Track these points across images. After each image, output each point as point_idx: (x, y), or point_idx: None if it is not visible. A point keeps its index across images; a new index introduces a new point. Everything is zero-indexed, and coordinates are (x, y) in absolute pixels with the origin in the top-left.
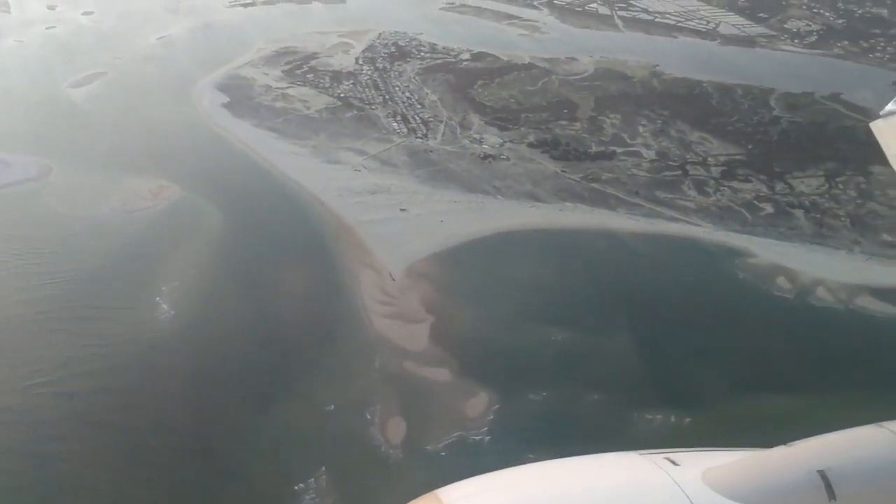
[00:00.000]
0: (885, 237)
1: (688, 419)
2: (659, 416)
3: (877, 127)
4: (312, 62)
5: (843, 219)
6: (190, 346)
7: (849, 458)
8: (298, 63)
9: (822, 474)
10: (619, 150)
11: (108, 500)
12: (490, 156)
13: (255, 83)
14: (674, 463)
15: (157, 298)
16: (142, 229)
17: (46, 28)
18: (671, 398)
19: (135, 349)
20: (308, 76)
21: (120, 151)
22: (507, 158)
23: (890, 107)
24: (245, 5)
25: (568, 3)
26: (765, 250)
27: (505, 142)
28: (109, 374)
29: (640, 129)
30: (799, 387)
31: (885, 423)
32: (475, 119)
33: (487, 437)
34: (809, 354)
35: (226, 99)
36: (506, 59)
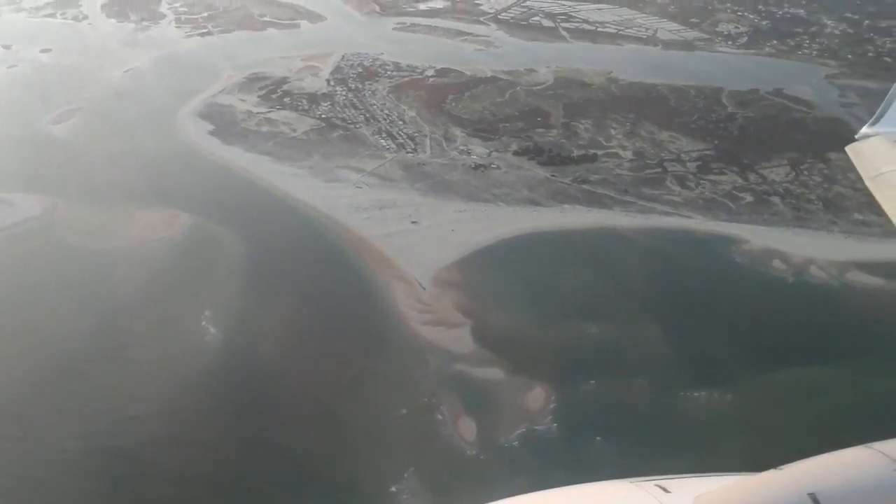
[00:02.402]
0: (857, 216)
1: (728, 395)
2: (703, 394)
3: (852, 150)
4: (285, 86)
5: (815, 202)
6: (246, 364)
7: (839, 480)
8: (272, 88)
9: (813, 498)
10: (599, 152)
11: None
12: (481, 165)
13: (236, 110)
14: (665, 490)
15: (202, 322)
16: (164, 258)
17: (8, 67)
18: (707, 377)
19: (192, 370)
20: (285, 100)
21: (119, 184)
22: (498, 167)
23: (864, 130)
24: (202, 34)
25: (513, 18)
26: (755, 236)
27: (491, 151)
28: (172, 396)
29: (612, 131)
30: (816, 357)
31: (873, 445)
32: (457, 132)
33: (554, 426)
34: (818, 327)
35: (211, 127)
36: (469, 73)
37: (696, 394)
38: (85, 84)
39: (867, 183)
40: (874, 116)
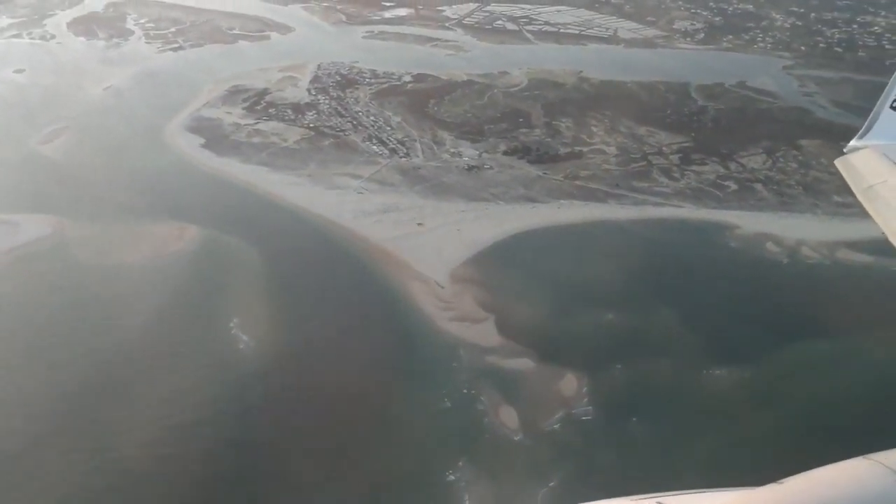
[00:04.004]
0: (836, 198)
1: (748, 373)
2: (724, 372)
3: (842, 163)
4: (267, 97)
5: (796, 187)
6: (285, 369)
7: (840, 494)
8: (255, 99)
9: None
10: (584, 149)
11: None
12: (474, 167)
13: (223, 122)
14: None
15: (233, 330)
16: (182, 270)
17: None
18: (725, 356)
19: (232, 377)
20: (270, 111)
21: (122, 201)
22: (491, 167)
23: (853, 143)
24: (175, 49)
25: (477, 23)
26: (745, 221)
27: (481, 153)
28: (219, 401)
29: (593, 129)
30: (821, 332)
31: (872, 456)
32: (444, 135)
33: (590, 408)
34: (817, 304)
35: (202, 140)
36: (445, 78)
37: (717, 371)
38: (66, 103)
39: (858, 196)
40: (862, 129)
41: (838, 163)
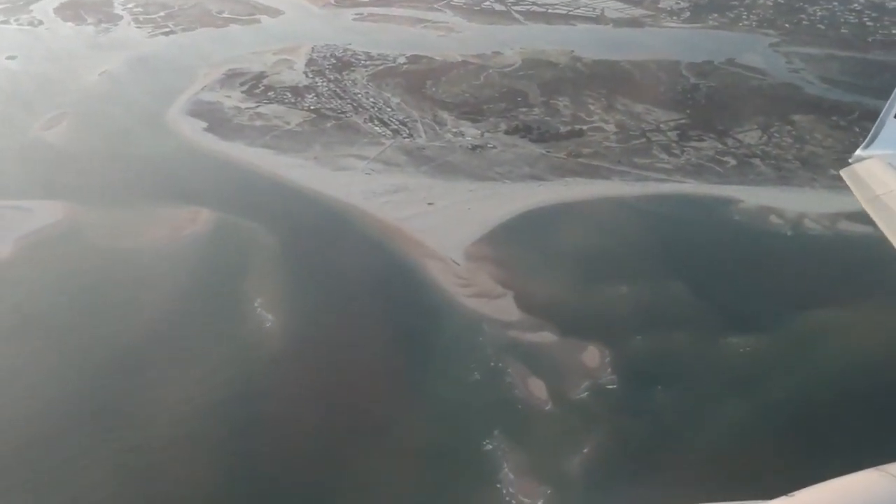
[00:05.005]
0: (833, 172)
1: (766, 342)
2: (742, 340)
3: (848, 173)
4: (265, 81)
5: (793, 162)
6: (311, 347)
7: None
8: (252, 83)
9: None
10: (584, 127)
11: (337, 481)
12: (477, 146)
13: (223, 106)
14: None
15: (257, 310)
16: (199, 252)
17: None
18: (741, 326)
19: (263, 356)
20: (269, 94)
21: (131, 185)
22: (494, 147)
23: (858, 152)
24: (166, 34)
25: (465, 3)
26: (747, 196)
27: (483, 132)
28: (248, 380)
29: (591, 107)
30: (830, 300)
31: (885, 467)
32: (445, 115)
33: (616, 377)
34: (823, 273)
35: (204, 124)
36: (440, 58)
37: (734, 340)
38: (63, 89)
39: (864, 206)
40: (867, 139)
41: (843, 173)
